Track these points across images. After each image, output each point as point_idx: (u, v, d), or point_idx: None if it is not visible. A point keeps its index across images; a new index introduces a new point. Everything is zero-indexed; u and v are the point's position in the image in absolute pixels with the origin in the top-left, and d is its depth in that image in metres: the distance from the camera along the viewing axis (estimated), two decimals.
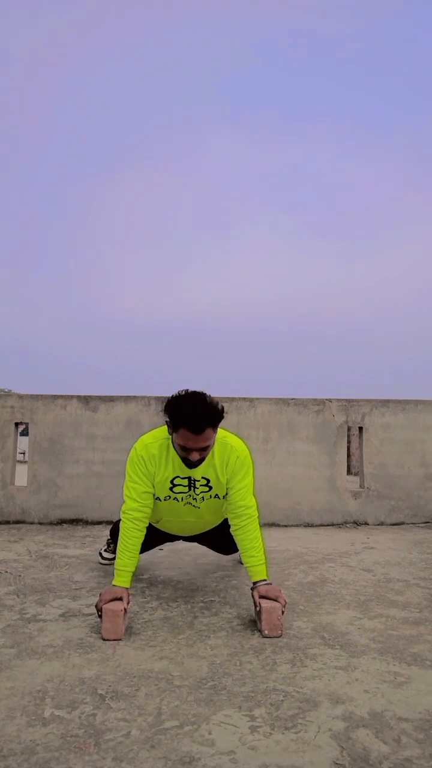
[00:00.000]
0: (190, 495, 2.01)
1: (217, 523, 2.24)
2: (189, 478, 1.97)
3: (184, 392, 1.84)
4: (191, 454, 1.82)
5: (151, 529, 2.13)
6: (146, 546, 2.18)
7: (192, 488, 1.99)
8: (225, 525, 2.22)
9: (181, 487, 1.99)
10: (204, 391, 1.85)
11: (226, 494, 2.01)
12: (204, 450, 1.83)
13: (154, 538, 2.26)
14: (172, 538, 2.35)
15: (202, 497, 2.02)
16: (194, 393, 1.83)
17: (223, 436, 1.96)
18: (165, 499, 2.01)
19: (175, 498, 2.02)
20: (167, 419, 1.85)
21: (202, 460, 1.87)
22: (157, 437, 1.97)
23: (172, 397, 1.84)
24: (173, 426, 1.81)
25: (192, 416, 1.75)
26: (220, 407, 1.82)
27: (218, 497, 2.03)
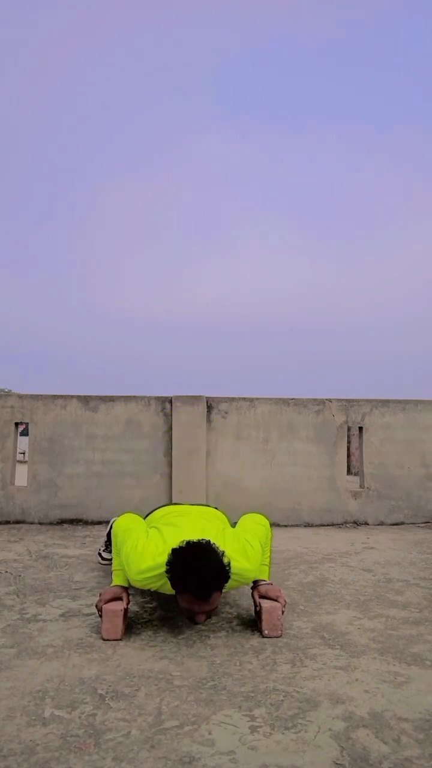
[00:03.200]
0: None
1: None
2: None
3: (188, 548, 1.65)
4: (197, 617, 1.67)
5: None
6: None
7: None
8: None
9: None
10: (208, 542, 1.68)
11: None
12: (211, 610, 1.68)
13: None
14: None
15: None
16: (199, 552, 1.64)
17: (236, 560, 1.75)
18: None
19: None
20: (170, 577, 1.66)
21: (209, 618, 1.74)
22: (153, 569, 1.74)
23: (175, 557, 1.64)
24: (176, 588, 1.65)
25: (197, 585, 1.60)
26: (226, 563, 1.64)
27: None
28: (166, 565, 1.66)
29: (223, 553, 1.67)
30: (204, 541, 1.67)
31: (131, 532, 1.88)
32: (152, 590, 1.87)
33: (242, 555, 1.80)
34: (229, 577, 1.65)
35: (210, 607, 1.65)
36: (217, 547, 1.67)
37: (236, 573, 1.74)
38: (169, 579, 1.65)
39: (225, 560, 1.65)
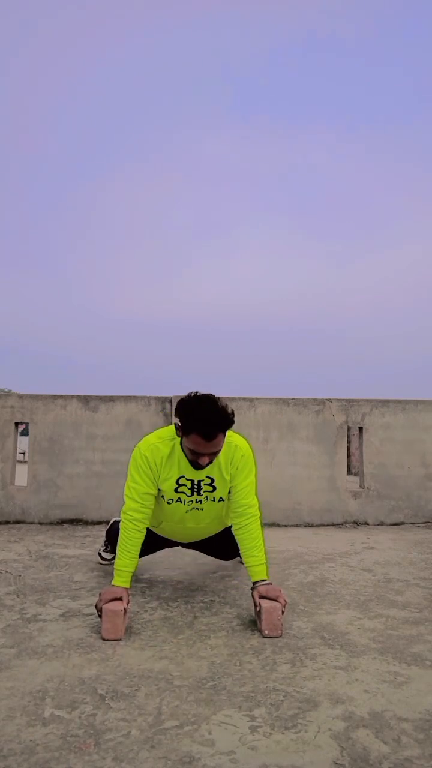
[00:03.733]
0: (193, 498, 2.00)
1: (217, 532, 2.24)
2: (192, 481, 1.97)
3: (195, 395, 1.84)
4: (201, 458, 1.84)
5: (150, 534, 2.12)
6: (144, 551, 2.15)
7: (195, 491, 1.99)
8: (224, 532, 2.23)
9: (185, 488, 1.98)
10: (213, 394, 1.86)
11: (229, 494, 2.01)
12: (214, 454, 1.85)
13: (153, 543, 2.24)
14: (171, 543, 2.33)
15: (206, 497, 2.01)
16: (205, 397, 1.83)
17: (227, 435, 1.94)
18: (169, 502, 2.02)
19: (179, 500, 2.00)
20: (177, 422, 1.85)
21: (210, 462, 1.88)
22: (162, 437, 1.97)
23: (183, 400, 1.83)
24: (184, 430, 1.82)
25: (204, 422, 1.76)
26: (230, 411, 1.83)
27: (222, 500, 2.03)
28: (175, 410, 1.83)
29: (227, 405, 1.84)
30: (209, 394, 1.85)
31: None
32: (159, 481, 1.96)
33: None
34: (232, 422, 1.82)
35: (214, 449, 1.81)
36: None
37: (237, 444, 1.95)
38: (177, 423, 1.84)
39: (230, 410, 1.82)
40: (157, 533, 2.23)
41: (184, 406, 1.81)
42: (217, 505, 2.04)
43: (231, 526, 2.07)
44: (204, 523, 2.11)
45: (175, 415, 1.84)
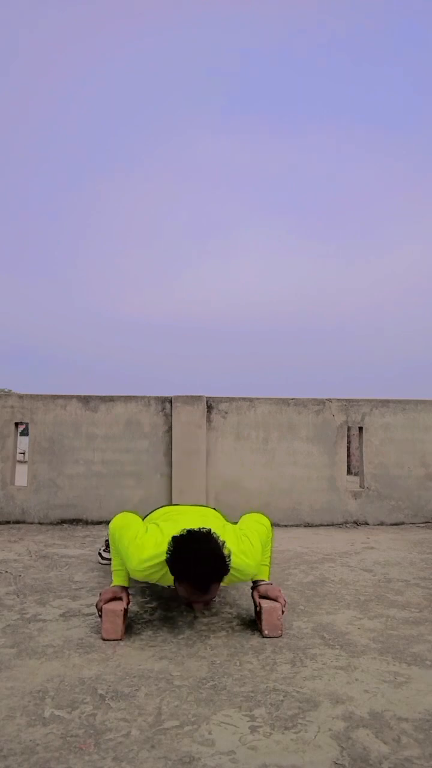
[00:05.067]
0: None
1: None
2: None
3: (189, 535, 1.63)
4: (195, 605, 1.67)
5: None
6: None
7: None
8: None
9: None
10: (210, 532, 1.66)
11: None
12: (208, 602, 1.67)
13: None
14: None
15: None
16: (199, 542, 1.62)
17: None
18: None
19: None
20: (169, 565, 1.64)
21: (207, 607, 1.72)
22: (154, 558, 1.73)
23: (175, 545, 1.63)
24: (175, 576, 1.63)
25: (197, 574, 1.58)
26: (227, 557, 1.62)
27: None
28: (167, 553, 1.64)
29: (224, 543, 1.65)
30: (204, 530, 1.65)
31: (129, 528, 1.87)
32: (153, 583, 1.85)
33: (241, 551, 1.78)
34: (228, 570, 1.63)
35: (208, 597, 1.63)
36: (218, 537, 1.65)
37: (235, 568, 1.71)
38: (169, 567, 1.63)
39: (225, 551, 1.63)
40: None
41: (176, 550, 1.61)
42: None
43: None
44: None
45: (167, 560, 1.64)
